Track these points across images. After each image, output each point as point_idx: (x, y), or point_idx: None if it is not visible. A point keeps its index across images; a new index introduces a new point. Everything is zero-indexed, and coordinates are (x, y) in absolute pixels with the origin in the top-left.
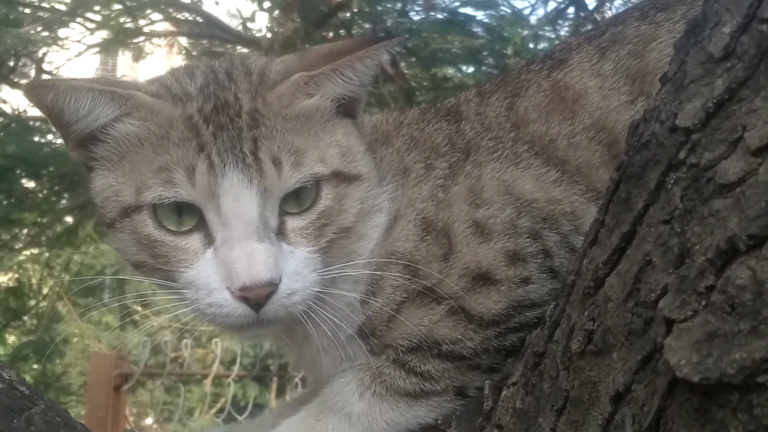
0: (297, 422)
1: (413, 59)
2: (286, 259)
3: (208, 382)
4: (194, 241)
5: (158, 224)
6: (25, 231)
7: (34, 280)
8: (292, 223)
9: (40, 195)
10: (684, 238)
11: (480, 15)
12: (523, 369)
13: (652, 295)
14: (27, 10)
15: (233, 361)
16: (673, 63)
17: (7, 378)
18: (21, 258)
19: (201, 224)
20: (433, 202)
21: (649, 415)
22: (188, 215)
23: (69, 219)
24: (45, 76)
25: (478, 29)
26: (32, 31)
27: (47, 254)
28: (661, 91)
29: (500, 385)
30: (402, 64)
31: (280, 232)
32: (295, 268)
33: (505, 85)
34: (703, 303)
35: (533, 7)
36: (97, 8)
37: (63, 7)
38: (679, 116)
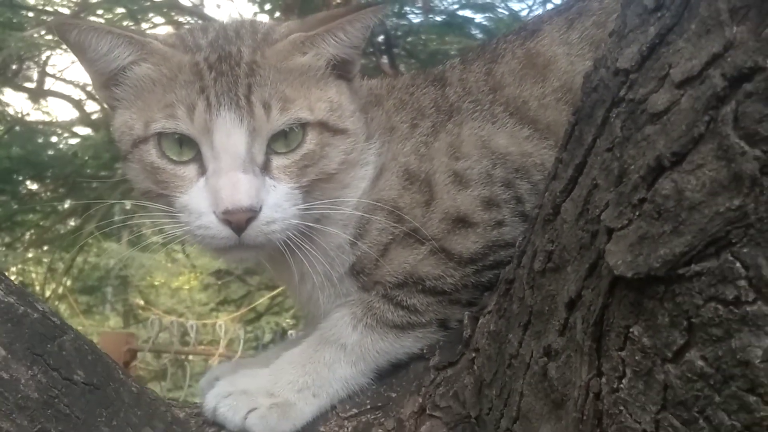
0: (297, 353)
1: (412, 60)
2: (268, 191)
3: (214, 361)
4: (190, 170)
5: (161, 153)
6: (28, 233)
7: (36, 282)
8: (278, 161)
9: (44, 197)
10: (622, 161)
11: (478, 17)
12: (497, 297)
13: (597, 210)
14: (30, 14)
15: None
16: (618, 18)
17: (41, 309)
18: (24, 259)
19: (197, 156)
20: (415, 156)
21: (594, 314)
22: (187, 148)
23: (72, 221)
24: (48, 80)
25: (476, 31)
26: (36, 35)
27: (51, 255)
28: (608, 43)
29: (478, 315)
30: (401, 66)
31: (266, 168)
32: (276, 201)
33: (485, 53)
34: (637, 213)
35: (530, 9)
36: (100, 12)
37: (66, 11)
38: (619, 60)
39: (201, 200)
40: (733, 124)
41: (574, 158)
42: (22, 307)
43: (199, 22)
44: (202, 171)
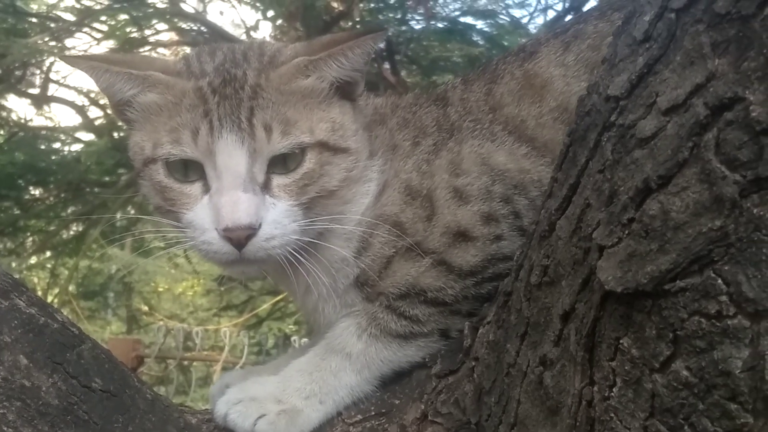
0: (305, 362)
1: (414, 67)
2: (268, 209)
3: (218, 368)
4: (195, 188)
5: (168, 173)
6: (31, 238)
7: (39, 288)
8: (278, 180)
9: (47, 202)
10: (612, 182)
11: (480, 24)
12: (496, 309)
13: (589, 229)
14: (34, 20)
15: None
16: (610, 47)
17: (60, 320)
18: (28, 265)
19: (202, 176)
20: (417, 173)
21: (587, 326)
22: (193, 169)
23: (75, 227)
24: (52, 86)
25: (477, 38)
26: (39, 41)
27: (54, 261)
28: (600, 70)
29: (477, 325)
30: (403, 72)
31: (266, 187)
32: (275, 218)
33: (485, 74)
34: (626, 232)
35: (532, 16)
36: (103, 18)
37: (71, 17)
38: (610, 87)
39: (204, 217)
40: (714, 150)
41: (568, 178)
42: (42, 318)
43: (203, 29)
44: (206, 189)
